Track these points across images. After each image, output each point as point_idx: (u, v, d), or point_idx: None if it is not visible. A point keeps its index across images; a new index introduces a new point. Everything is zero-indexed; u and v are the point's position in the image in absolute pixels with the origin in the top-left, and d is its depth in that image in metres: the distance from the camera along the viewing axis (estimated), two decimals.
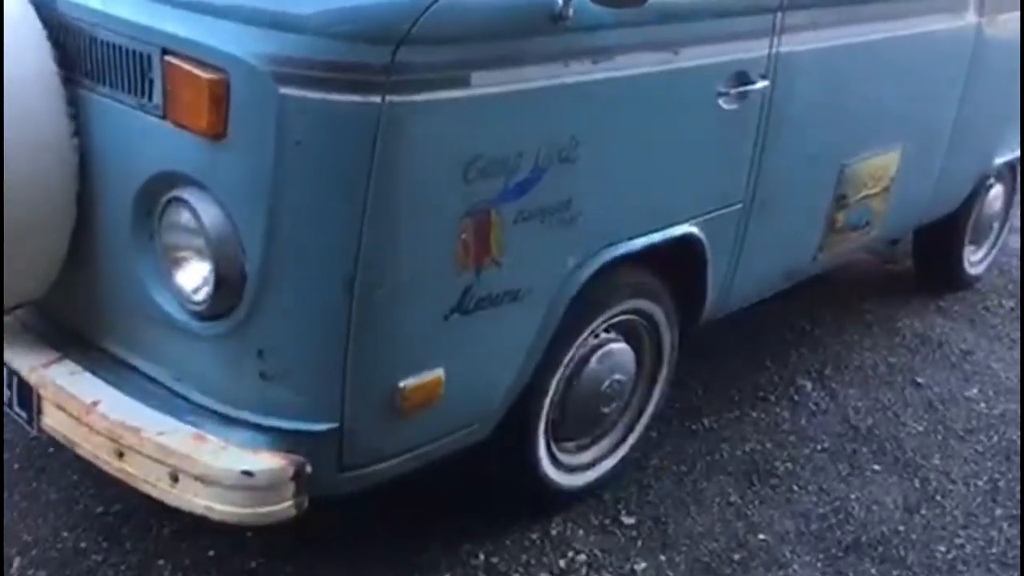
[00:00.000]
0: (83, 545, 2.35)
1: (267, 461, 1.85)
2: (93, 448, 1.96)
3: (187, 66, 1.74)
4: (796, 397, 3.29)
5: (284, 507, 1.87)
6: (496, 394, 2.18)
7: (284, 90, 1.69)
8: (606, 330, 2.49)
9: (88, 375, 2.05)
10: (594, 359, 2.46)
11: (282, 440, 1.90)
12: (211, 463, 1.83)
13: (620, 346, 2.53)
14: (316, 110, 1.71)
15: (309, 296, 1.83)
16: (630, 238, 2.30)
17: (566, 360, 2.38)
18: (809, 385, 3.37)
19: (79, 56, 1.91)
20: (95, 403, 1.96)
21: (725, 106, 2.39)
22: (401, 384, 1.95)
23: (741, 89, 2.41)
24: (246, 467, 1.83)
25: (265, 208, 1.76)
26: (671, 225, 2.40)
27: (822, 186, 2.92)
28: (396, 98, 1.73)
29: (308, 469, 1.87)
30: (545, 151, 2.00)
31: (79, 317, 2.13)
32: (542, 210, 2.05)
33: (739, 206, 2.60)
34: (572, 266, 2.18)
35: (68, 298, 2.10)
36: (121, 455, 1.92)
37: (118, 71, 1.86)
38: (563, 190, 2.08)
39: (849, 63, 2.76)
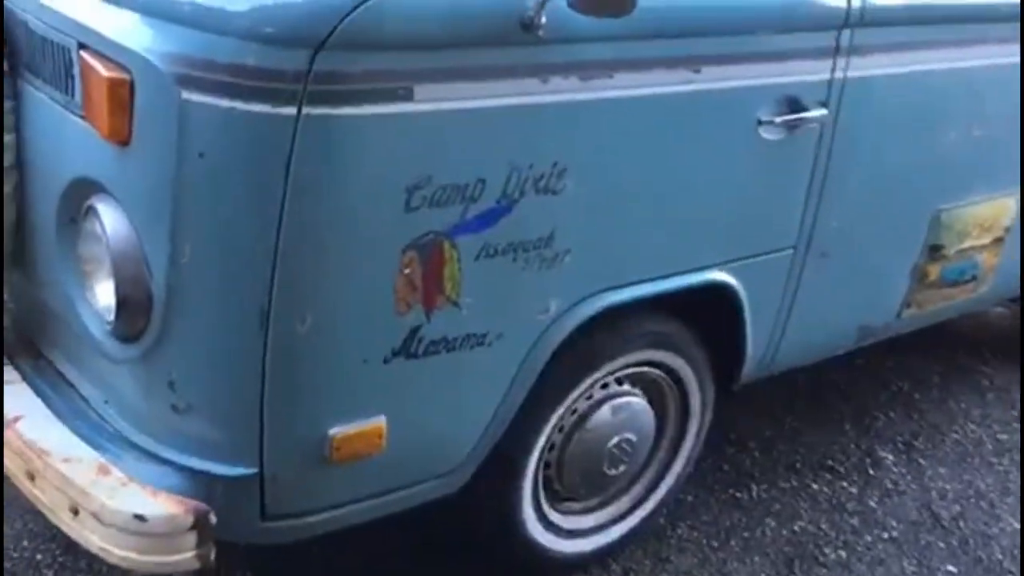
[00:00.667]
0: (39, 557, 2.25)
1: (164, 506, 1.66)
2: (11, 466, 1.83)
3: (95, 63, 1.57)
4: (871, 471, 2.86)
5: (184, 557, 1.68)
6: (460, 447, 1.92)
7: (187, 95, 1.50)
8: (618, 382, 2.20)
9: (23, 386, 1.92)
10: (598, 414, 2.17)
11: (194, 482, 1.71)
12: (105, 501, 1.66)
13: (634, 401, 2.22)
14: (222, 119, 1.50)
15: (219, 326, 1.63)
16: (636, 282, 1.99)
17: (559, 414, 2.09)
18: (890, 458, 2.93)
19: (20, 48, 1.78)
20: (16, 418, 1.83)
21: (768, 136, 2.04)
22: (331, 432, 1.73)
23: (790, 117, 2.06)
24: (140, 510, 1.65)
25: (168, 226, 1.57)
26: (693, 270, 2.07)
27: (909, 234, 2.50)
28: (315, 110, 1.50)
29: (212, 519, 1.67)
30: (517, 179, 1.73)
31: (29, 323, 2.02)
32: (514, 246, 1.78)
33: (789, 252, 2.24)
34: (556, 311, 1.90)
35: (18, 301, 1.99)
36: (32, 478, 1.78)
37: (48, 65, 1.72)
38: (543, 224, 1.80)
39: (944, 93, 2.34)
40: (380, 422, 1.77)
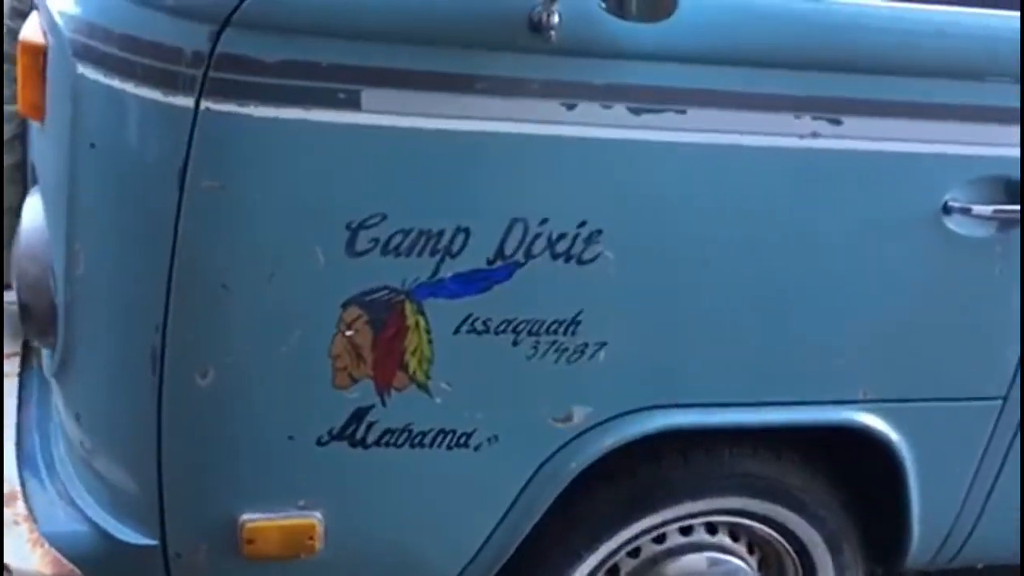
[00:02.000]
0: None
1: (35, 564, 1.38)
2: None
3: (31, 25, 1.33)
4: None
5: None
6: (438, 572, 1.47)
7: (81, 68, 1.20)
8: (709, 529, 1.62)
9: (14, 381, 1.74)
10: (673, 565, 1.61)
11: (94, 539, 1.41)
12: None
13: (725, 559, 1.63)
14: (112, 103, 1.18)
15: (111, 361, 1.32)
16: (713, 405, 1.43)
17: (602, 553, 1.56)
18: None
19: None
20: None
21: (958, 230, 1.39)
22: (241, 518, 1.35)
23: (1001, 208, 1.39)
24: (10, 559, 1.38)
25: (64, 228, 1.29)
26: (808, 403, 1.45)
27: None
28: (218, 105, 1.14)
29: None
30: (521, 235, 1.26)
31: None
32: (516, 325, 1.31)
33: (993, 404, 1.54)
34: (583, 421, 1.39)
35: None
36: None
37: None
38: (563, 302, 1.31)
39: None
40: (312, 519, 1.37)
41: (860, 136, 1.31)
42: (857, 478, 1.61)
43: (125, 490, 1.39)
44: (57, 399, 1.50)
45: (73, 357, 1.37)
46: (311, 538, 1.38)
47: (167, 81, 1.14)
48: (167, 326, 1.24)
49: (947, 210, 1.38)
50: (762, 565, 1.70)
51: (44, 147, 1.34)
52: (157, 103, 1.15)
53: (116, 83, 1.17)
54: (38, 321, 1.37)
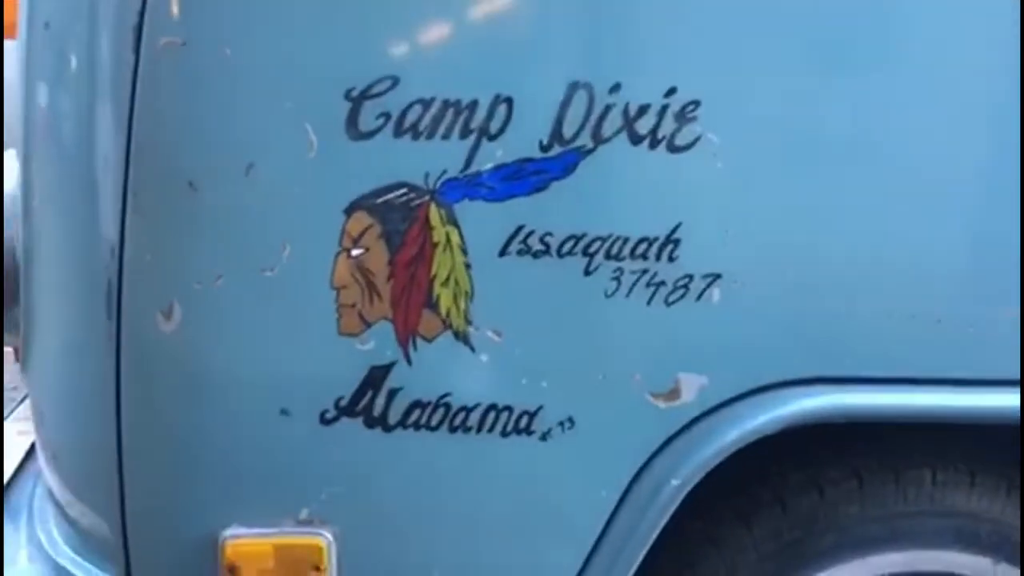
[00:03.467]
0: None
1: None
2: None
3: None
4: None
5: None
6: None
7: None
8: None
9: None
10: None
11: None
12: None
13: None
14: None
15: (65, 308, 1.02)
16: (910, 381, 0.97)
17: None
18: None
19: None
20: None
21: None
22: (221, 536, 0.98)
23: None
24: None
25: (22, 152, 1.04)
26: None
27: None
28: None
29: None
30: (584, 108, 0.91)
31: None
32: (588, 244, 0.93)
33: None
34: (698, 399, 0.96)
35: None
36: None
37: None
38: (652, 210, 0.93)
39: None
40: (318, 538, 0.98)
41: None
42: None
43: (87, 511, 1.05)
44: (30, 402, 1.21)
45: (32, 317, 1.08)
46: (318, 566, 0.98)
47: None
48: (123, 248, 0.95)
49: None
50: None
51: (13, 62, 1.12)
52: None
53: None
54: (7, 294, 1.11)
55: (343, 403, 0.96)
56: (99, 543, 1.05)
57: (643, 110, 0.92)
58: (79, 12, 0.96)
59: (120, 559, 1.02)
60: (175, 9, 0.91)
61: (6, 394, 1.69)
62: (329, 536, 0.98)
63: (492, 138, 0.92)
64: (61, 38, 0.98)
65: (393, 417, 0.96)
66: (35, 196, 1.03)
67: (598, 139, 0.92)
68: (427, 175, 0.93)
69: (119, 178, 0.94)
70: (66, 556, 1.09)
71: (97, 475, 1.01)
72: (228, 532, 0.98)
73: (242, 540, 0.98)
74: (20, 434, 1.53)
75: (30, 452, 1.43)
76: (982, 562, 1.07)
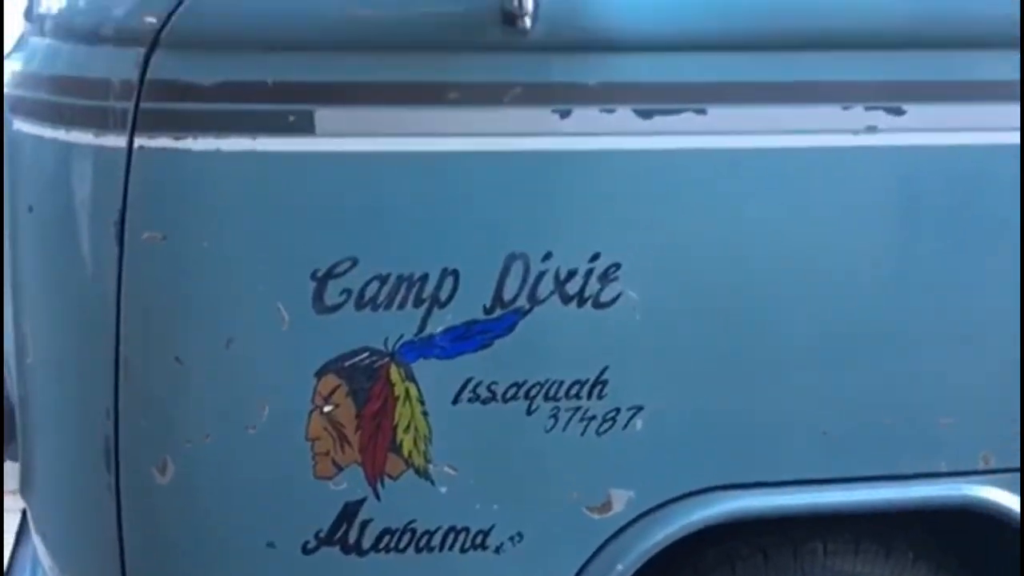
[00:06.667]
0: None
1: None
2: None
3: None
4: None
5: None
6: None
7: (17, 124, 1.08)
8: None
9: (16, 517, 1.57)
10: None
11: None
12: None
13: None
14: (46, 156, 1.06)
15: (65, 458, 1.14)
16: (797, 483, 1.14)
17: None
18: None
19: None
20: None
21: None
22: None
23: None
24: None
25: (12, 309, 1.14)
26: (927, 476, 1.16)
27: None
28: (153, 141, 0.99)
29: None
30: (521, 274, 1.05)
31: None
32: (528, 388, 1.08)
33: None
34: (627, 508, 1.12)
35: None
36: None
37: None
38: (583, 358, 1.08)
39: None
40: None
41: (929, 127, 1.07)
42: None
43: None
44: (29, 520, 1.32)
45: (31, 461, 1.20)
46: None
47: (97, 119, 1.01)
48: (119, 417, 1.06)
49: None
50: None
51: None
52: (88, 147, 1.02)
53: (48, 132, 1.05)
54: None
55: (322, 535, 1.10)
56: None
57: (571, 274, 1.06)
58: (62, 201, 1.06)
59: None
60: (154, 207, 1.02)
61: None
62: None
63: (442, 305, 1.05)
64: (45, 223, 1.08)
65: (366, 543, 1.10)
66: (28, 355, 1.13)
67: (534, 301, 1.06)
68: (387, 339, 1.06)
69: (110, 351, 1.05)
70: None
71: None
72: None
73: None
74: None
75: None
76: None
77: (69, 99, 1.02)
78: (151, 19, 0.98)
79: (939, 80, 1.06)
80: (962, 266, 1.11)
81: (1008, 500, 1.18)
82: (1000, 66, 1.07)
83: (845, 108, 1.05)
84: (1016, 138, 1.08)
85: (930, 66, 1.06)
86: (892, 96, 1.06)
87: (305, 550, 1.10)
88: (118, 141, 1.00)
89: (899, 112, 1.06)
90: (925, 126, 1.07)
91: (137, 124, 0.99)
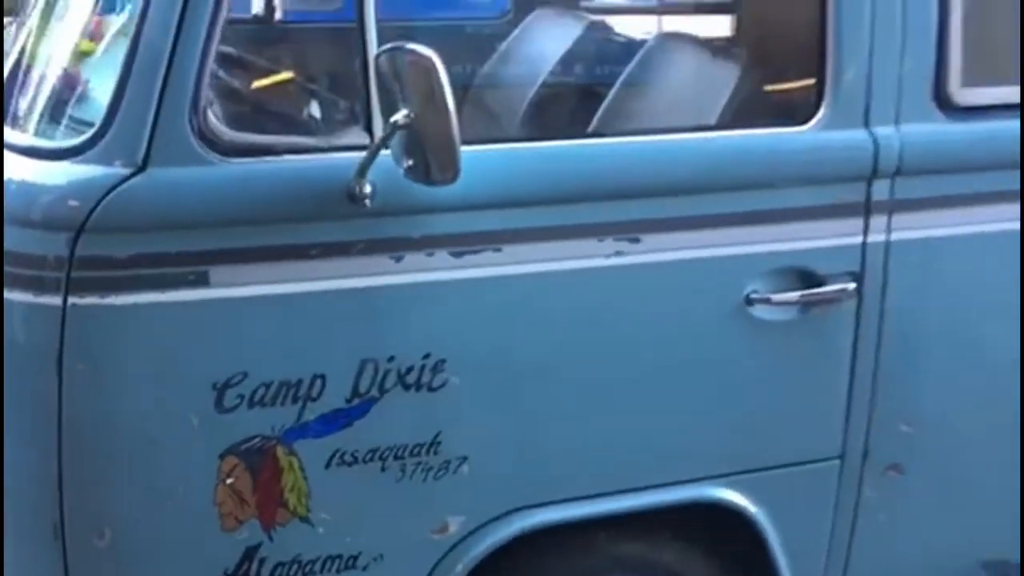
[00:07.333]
0: None
1: None
2: None
3: None
4: None
5: None
6: None
7: None
8: None
9: None
10: None
11: None
12: None
13: None
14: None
15: (28, 542, 1.45)
16: (577, 499, 1.58)
17: None
18: None
19: None
20: None
21: (766, 318, 1.57)
22: None
23: (800, 294, 1.58)
24: None
25: None
26: (664, 485, 1.61)
27: None
28: (82, 300, 1.31)
29: None
30: (373, 374, 1.43)
31: None
32: (382, 452, 1.46)
33: (832, 463, 1.70)
34: (459, 531, 1.53)
35: None
36: None
37: None
38: (421, 427, 1.47)
39: None
40: None
41: (659, 249, 1.50)
42: (732, 551, 1.75)
43: None
44: None
45: None
46: None
47: (37, 285, 1.32)
48: (63, 499, 1.39)
49: (750, 301, 1.56)
50: None
51: None
52: (32, 304, 1.32)
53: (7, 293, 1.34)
54: None
55: (229, 570, 1.46)
56: None
57: (409, 369, 1.44)
58: (13, 345, 1.35)
59: None
60: (85, 346, 1.33)
61: None
62: None
63: (314, 400, 1.42)
64: None
65: (265, 575, 1.47)
66: None
67: (382, 390, 1.44)
68: (273, 427, 1.41)
69: (55, 454, 1.36)
70: None
71: None
72: None
73: None
74: None
75: None
76: None
77: (17, 268, 1.32)
78: (77, 213, 1.28)
79: (665, 218, 1.49)
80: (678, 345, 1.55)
81: (729, 496, 1.65)
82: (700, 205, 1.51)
83: (599, 240, 1.47)
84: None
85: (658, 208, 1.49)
86: (631, 230, 1.47)
87: None
88: (55, 300, 1.31)
89: (636, 240, 1.48)
90: (657, 249, 1.49)
91: (69, 288, 1.30)
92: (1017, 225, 1.67)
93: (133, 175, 1.30)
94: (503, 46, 2.51)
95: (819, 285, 1.58)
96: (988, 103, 1.63)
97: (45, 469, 1.38)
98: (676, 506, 1.64)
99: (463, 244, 1.42)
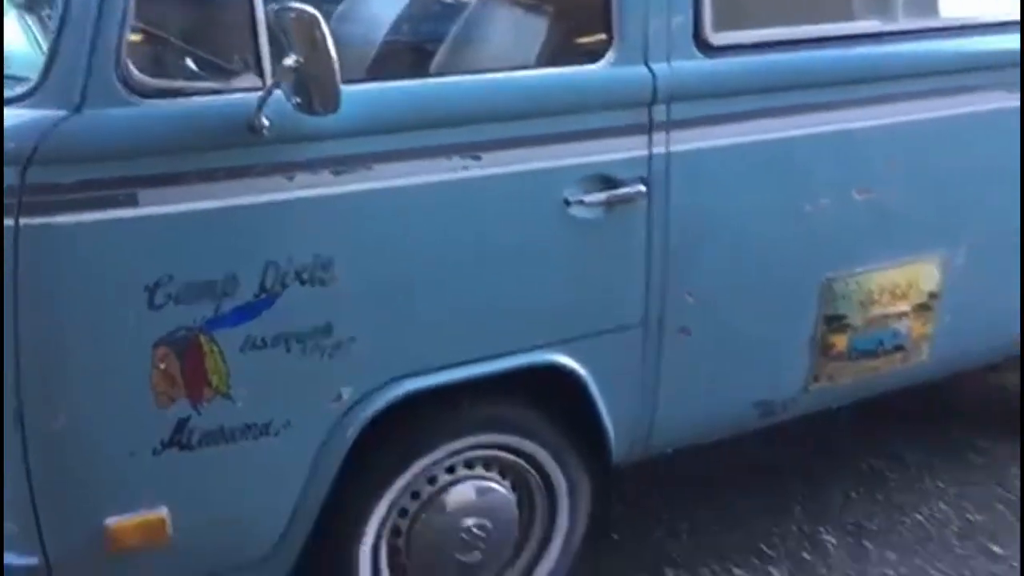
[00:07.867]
0: None
1: None
2: None
3: None
4: (807, 555, 2.68)
5: None
6: (262, 538, 1.94)
7: None
8: (468, 465, 2.17)
9: None
10: (445, 500, 2.15)
11: None
12: None
13: (485, 486, 2.18)
14: None
15: None
16: (441, 368, 1.99)
17: (389, 499, 2.08)
18: (833, 542, 2.73)
19: None
20: None
21: (580, 215, 2.02)
22: (107, 522, 1.78)
23: (605, 195, 2.03)
24: None
25: None
26: (509, 353, 2.04)
27: (794, 304, 2.37)
28: (32, 220, 1.61)
29: None
30: (275, 273, 1.78)
31: None
32: (285, 336, 1.82)
33: (636, 330, 2.18)
34: (350, 398, 1.91)
35: None
36: None
37: None
38: (315, 314, 1.84)
39: (805, 159, 2.25)
40: (161, 513, 1.82)
41: (494, 165, 1.91)
42: (561, 404, 2.20)
43: (12, 523, 1.78)
44: None
45: None
46: (162, 527, 1.82)
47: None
48: (21, 391, 1.68)
49: (568, 203, 2.00)
50: (515, 487, 2.25)
51: None
52: None
53: None
54: None
55: (164, 441, 1.78)
56: (18, 538, 1.77)
57: (304, 266, 1.79)
58: None
59: (38, 547, 1.77)
60: (36, 259, 1.62)
61: None
62: (167, 511, 1.80)
63: (228, 296, 1.75)
64: None
65: (194, 442, 1.80)
66: None
67: (284, 286, 1.78)
68: (195, 319, 1.74)
69: (13, 355, 1.65)
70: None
71: (18, 500, 1.73)
72: (109, 520, 1.76)
73: (118, 521, 1.77)
74: None
75: None
76: (501, 436, 2.14)
77: None
78: (24, 148, 1.57)
79: (499, 139, 1.90)
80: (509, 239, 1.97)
81: (558, 358, 2.09)
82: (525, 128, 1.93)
83: (448, 158, 1.86)
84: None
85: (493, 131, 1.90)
86: (473, 150, 1.88)
87: (154, 453, 1.78)
88: (10, 222, 1.60)
89: (478, 158, 1.89)
90: (494, 164, 1.90)
91: (21, 210, 1.59)
92: (768, 136, 2.19)
93: (71, 115, 1.60)
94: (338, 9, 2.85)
95: (618, 188, 2.04)
96: (736, 43, 2.14)
97: (8, 368, 1.67)
98: (521, 370, 2.07)
99: (342, 164, 1.78)
